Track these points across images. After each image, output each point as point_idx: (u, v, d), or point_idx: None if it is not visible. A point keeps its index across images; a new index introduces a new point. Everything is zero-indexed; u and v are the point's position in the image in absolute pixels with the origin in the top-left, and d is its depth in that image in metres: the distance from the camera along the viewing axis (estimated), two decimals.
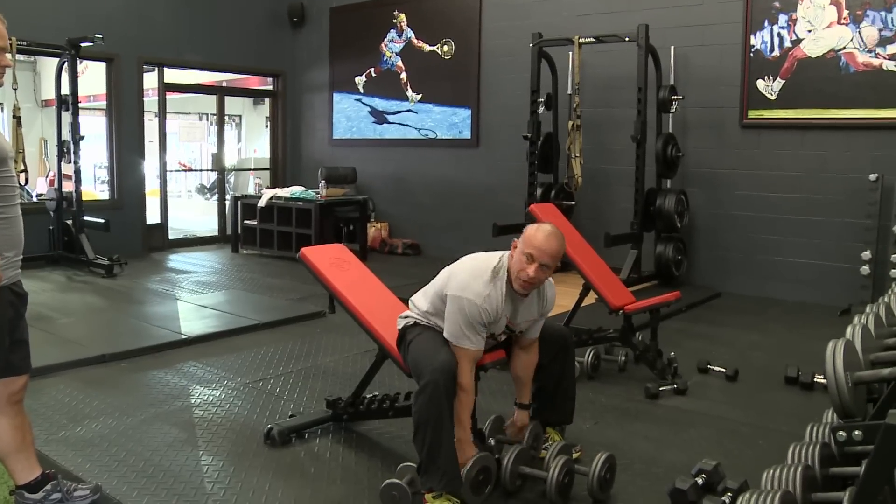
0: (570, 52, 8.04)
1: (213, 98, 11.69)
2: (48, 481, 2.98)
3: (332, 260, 3.89)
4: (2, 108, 13.68)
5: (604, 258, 5.23)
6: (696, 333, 6.11)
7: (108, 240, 8.80)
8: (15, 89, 7.92)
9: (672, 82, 7.80)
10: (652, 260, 7.73)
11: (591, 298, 5.05)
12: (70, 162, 8.69)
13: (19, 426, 2.89)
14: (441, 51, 9.88)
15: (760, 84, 7.46)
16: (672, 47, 7.84)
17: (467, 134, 9.66)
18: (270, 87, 11.88)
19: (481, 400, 3.48)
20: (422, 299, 3.37)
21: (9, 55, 2.72)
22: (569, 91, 8.23)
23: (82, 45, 8.47)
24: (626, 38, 7.49)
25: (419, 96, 10.14)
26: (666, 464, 3.57)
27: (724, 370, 4.95)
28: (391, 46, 10.36)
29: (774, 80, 7.39)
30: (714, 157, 7.84)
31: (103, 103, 10.29)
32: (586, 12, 8.45)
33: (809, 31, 7.20)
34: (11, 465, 2.93)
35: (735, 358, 5.26)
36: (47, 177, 13.39)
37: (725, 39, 7.62)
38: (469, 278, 3.12)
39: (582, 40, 7.78)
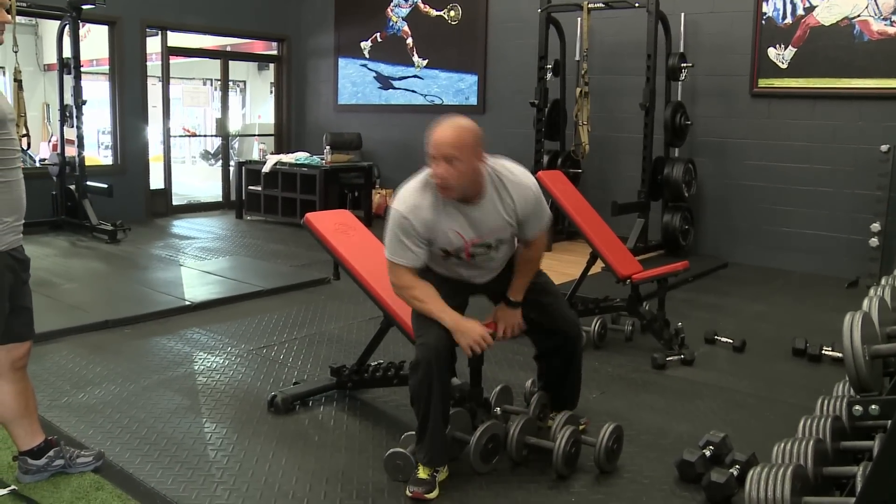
0: (579, 18, 7.92)
1: (217, 63, 11.58)
2: (51, 447, 2.97)
3: (336, 226, 3.85)
4: (3, 72, 13.56)
5: (611, 227, 5.17)
6: (703, 304, 6.07)
7: (112, 205, 8.75)
8: (16, 52, 7.84)
9: (682, 49, 7.69)
10: (659, 229, 7.67)
11: (597, 267, 5.01)
12: (73, 127, 8.61)
13: (22, 392, 2.87)
14: (448, 16, 9.76)
15: (772, 52, 7.35)
16: (682, 14, 7.72)
17: (474, 100, 9.56)
18: (275, 52, 11.76)
19: (487, 369, 3.44)
20: None
21: (8, 15, 2.67)
22: (577, 58, 8.13)
23: (84, 6, 8.36)
24: (636, 4, 7.38)
25: (425, 62, 10.03)
26: (673, 435, 3.54)
27: (731, 341, 4.91)
28: (397, 11, 10.23)
29: (786, 48, 7.28)
30: (723, 126, 7.74)
31: (106, 67, 10.19)
32: None
33: None
34: (14, 431, 2.91)
35: (742, 329, 5.22)
36: (50, 141, 13.30)
37: (737, 6, 7.50)
38: (403, 191, 3.04)
39: (591, 6, 7.67)
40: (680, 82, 7.73)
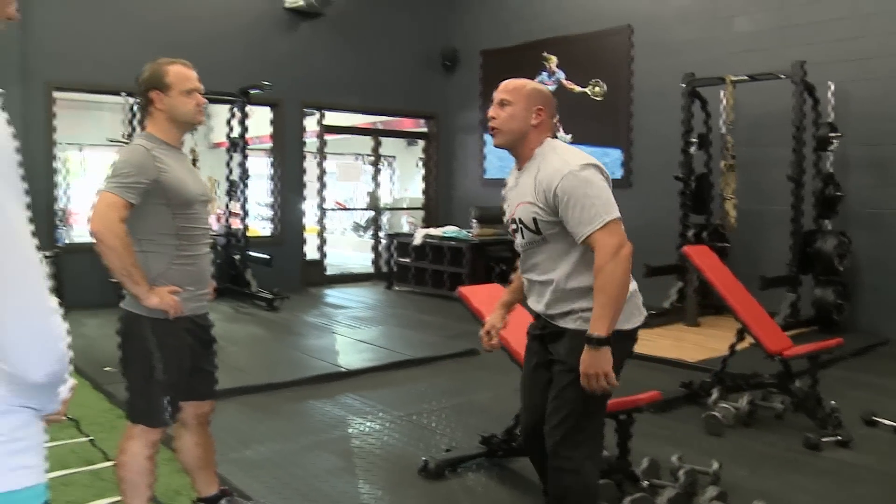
0: (723, 91, 7.94)
1: (368, 139, 12.17)
2: (224, 496, 3.26)
3: (489, 298, 4.02)
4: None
5: (760, 301, 5.13)
6: (860, 383, 5.85)
7: (270, 274, 9.28)
8: (194, 134, 8.53)
9: (831, 119, 7.57)
10: (810, 304, 7.48)
11: (746, 343, 4.96)
12: (238, 200, 9.25)
13: (204, 444, 3.18)
14: (592, 91, 9.95)
15: None
16: (830, 83, 7.61)
17: (619, 174, 9.65)
18: (424, 129, 12.25)
19: (634, 441, 3.49)
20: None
21: (201, 95, 3.01)
22: (722, 130, 8.12)
23: (252, 91, 9.06)
24: (782, 76, 7.35)
25: (570, 137, 10.21)
26: None
27: (893, 423, 4.71)
28: None
29: None
30: (879, 197, 7.53)
31: (266, 144, 10.92)
32: (738, 50, 8.34)
33: None
34: (196, 479, 3.21)
35: None
36: (216, 214, 14.20)
37: (890, 72, 7.35)
38: None
39: (735, 79, 7.69)
40: (830, 153, 7.59)
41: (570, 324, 2.73)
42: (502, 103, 2.79)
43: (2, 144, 1.11)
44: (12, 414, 1.17)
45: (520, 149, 2.83)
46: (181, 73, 2.94)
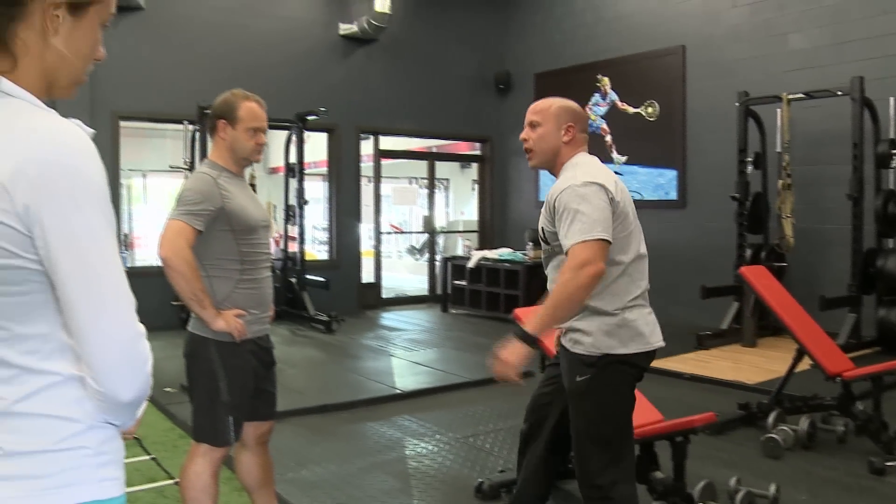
0: (779, 109, 7.86)
1: (423, 163, 12.29)
2: None
3: None
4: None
5: (819, 322, 5.06)
6: None
7: (327, 297, 9.39)
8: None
9: (892, 135, 7.44)
10: (873, 325, 7.33)
11: (805, 364, 4.89)
12: (295, 224, 9.42)
13: (264, 464, 3.25)
14: (645, 112, 9.93)
15: None
16: (891, 98, 7.47)
17: (674, 195, 9.60)
18: (478, 152, 12.33)
19: (690, 464, 3.47)
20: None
21: (264, 135, 3.11)
22: (778, 149, 8.03)
23: (308, 117, 9.24)
24: (839, 93, 7.26)
25: (624, 158, 10.20)
26: None
27: None
28: (595, 109, 10.52)
29: None
30: None
31: (322, 169, 11.10)
32: (793, 67, 8.26)
33: None
34: (255, 498, 3.28)
35: None
36: (274, 238, 14.46)
37: None
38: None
39: (791, 97, 7.62)
40: (891, 169, 7.45)
41: (566, 342, 2.80)
42: (532, 125, 2.92)
43: (95, 178, 1.19)
44: (100, 429, 1.26)
45: (555, 165, 2.92)
46: (252, 111, 3.03)
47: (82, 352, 1.19)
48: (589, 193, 2.63)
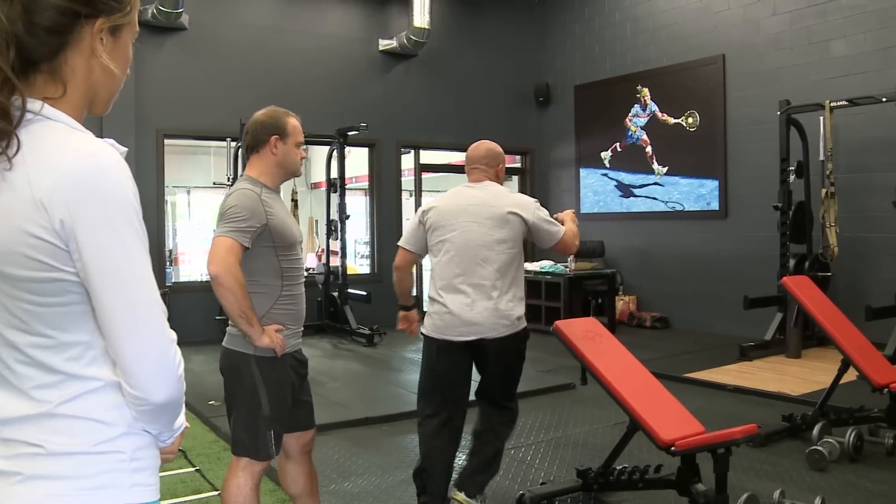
0: (821, 117, 7.76)
1: (463, 176, 12.27)
2: None
3: (584, 333, 4.04)
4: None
5: (865, 333, 4.99)
6: None
7: (368, 310, 9.45)
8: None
9: None
10: None
11: (851, 375, 4.83)
12: (337, 239, 9.50)
13: (308, 473, 3.30)
14: (686, 122, 9.88)
15: None
16: None
17: (715, 205, 9.53)
18: (518, 164, 12.34)
19: (733, 476, 3.45)
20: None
21: (304, 149, 3.21)
22: (821, 157, 7.93)
23: (349, 133, 9.33)
24: (884, 99, 7.17)
25: (665, 169, 10.15)
26: None
27: None
28: (635, 121, 10.49)
29: None
30: None
31: (363, 184, 11.18)
32: (836, 75, 8.18)
33: None
34: None
35: None
36: (316, 253, 14.59)
37: None
38: None
39: (833, 104, 7.53)
40: None
41: None
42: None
43: (127, 195, 1.26)
44: (136, 436, 1.32)
45: None
46: (297, 127, 3.14)
47: (117, 358, 1.27)
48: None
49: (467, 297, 3.57)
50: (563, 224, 3.80)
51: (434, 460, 3.66)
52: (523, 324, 3.66)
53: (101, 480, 1.27)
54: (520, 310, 3.64)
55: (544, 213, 3.76)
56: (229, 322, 3.02)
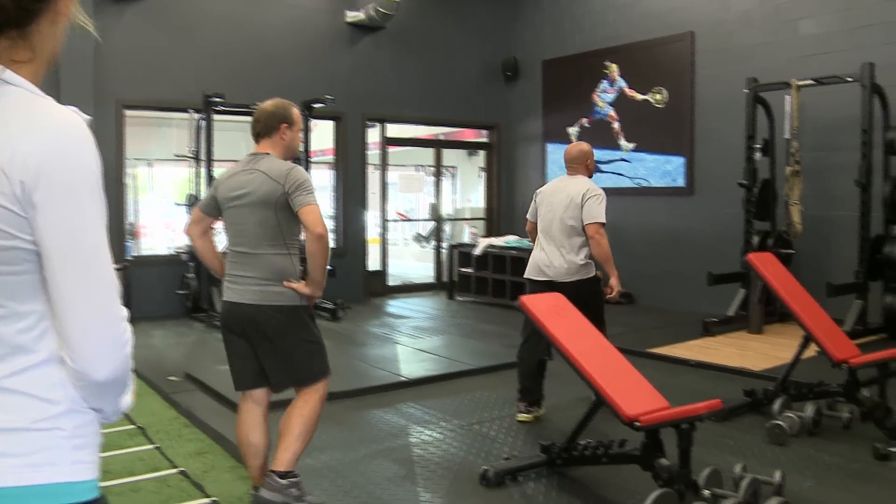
0: (788, 96, 7.81)
1: (430, 150, 12.26)
2: (295, 478, 3.51)
3: (549, 308, 4.03)
4: None
5: (826, 309, 5.04)
6: None
7: (332, 284, 9.35)
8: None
9: None
10: (880, 311, 7.30)
11: (811, 351, 4.88)
12: None
13: (304, 416, 3.53)
14: (654, 99, 9.88)
15: None
16: None
17: (681, 182, 9.57)
18: (485, 139, 12.30)
19: (696, 451, 3.46)
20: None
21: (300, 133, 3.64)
22: (786, 135, 7.98)
23: (315, 105, 9.21)
24: (849, 79, 7.21)
25: (632, 145, 10.16)
26: None
27: None
28: (603, 96, 10.48)
29: None
30: None
31: (329, 157, 11.07)
32: (804, 54, 8.22)
33: None
34: (281, 445, 3.49)
35: None
36: None
37: None
38: None
39: (800, 83, 7.57)
40: None
41: None
42: None
43: (91, 165, 1.23)
44: (78, 413, 1.29)
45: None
46: (299, 116, 3.66)
47: (61, 330, 1.23)
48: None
49: (544, 253, 5.16)
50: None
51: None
52: (590, 272, 5.14)
53: (40, 458, 1.24)
54: (581, 261, 5.10)
55: (593, 199, 5.07)
56: (263, 283, 3.40)
